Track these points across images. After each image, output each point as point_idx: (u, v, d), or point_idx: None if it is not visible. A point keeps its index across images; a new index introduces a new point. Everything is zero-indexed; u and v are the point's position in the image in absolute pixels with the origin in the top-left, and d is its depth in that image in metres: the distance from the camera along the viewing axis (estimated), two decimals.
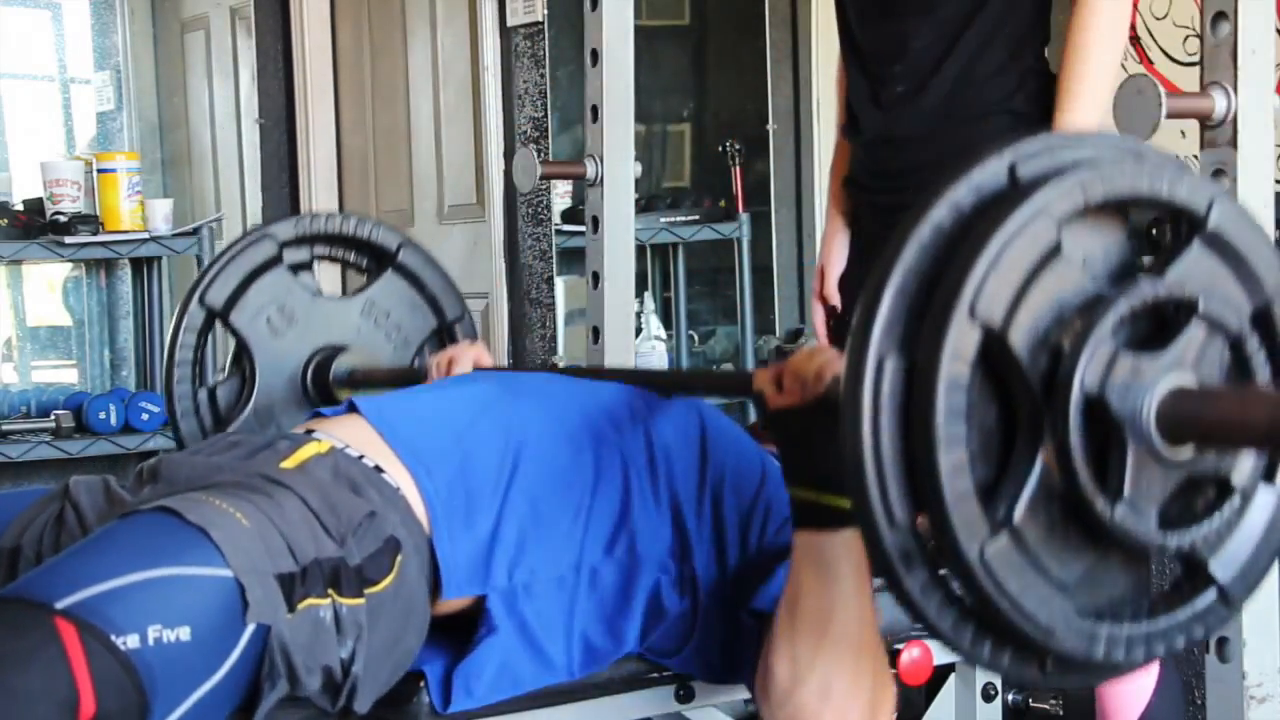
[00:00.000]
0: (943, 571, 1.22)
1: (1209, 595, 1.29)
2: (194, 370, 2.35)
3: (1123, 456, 1.20)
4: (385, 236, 2.44)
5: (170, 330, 2.34)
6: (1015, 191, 1.20)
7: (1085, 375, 1.18)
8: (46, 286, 5.75)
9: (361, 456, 1.64)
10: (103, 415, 4.31)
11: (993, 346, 1.18)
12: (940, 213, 1.20)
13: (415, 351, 2.45)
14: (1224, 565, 1.28)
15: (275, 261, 2.36)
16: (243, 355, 2.36)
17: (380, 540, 1.55)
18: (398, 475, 1.64)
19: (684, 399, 1.87)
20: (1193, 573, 1.29)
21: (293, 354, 2.38)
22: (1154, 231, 1.29)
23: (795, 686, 1.57)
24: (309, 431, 1.70)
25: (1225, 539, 1.28)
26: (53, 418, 4.39)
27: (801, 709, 1.57)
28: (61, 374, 5.68)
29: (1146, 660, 1.28)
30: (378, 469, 1.63)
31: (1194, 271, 1.25)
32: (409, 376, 2.24)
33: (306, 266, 2.42)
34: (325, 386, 2.38)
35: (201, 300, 2.32)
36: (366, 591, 1.52)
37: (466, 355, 2.13)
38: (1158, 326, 1.24)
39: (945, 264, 1.19)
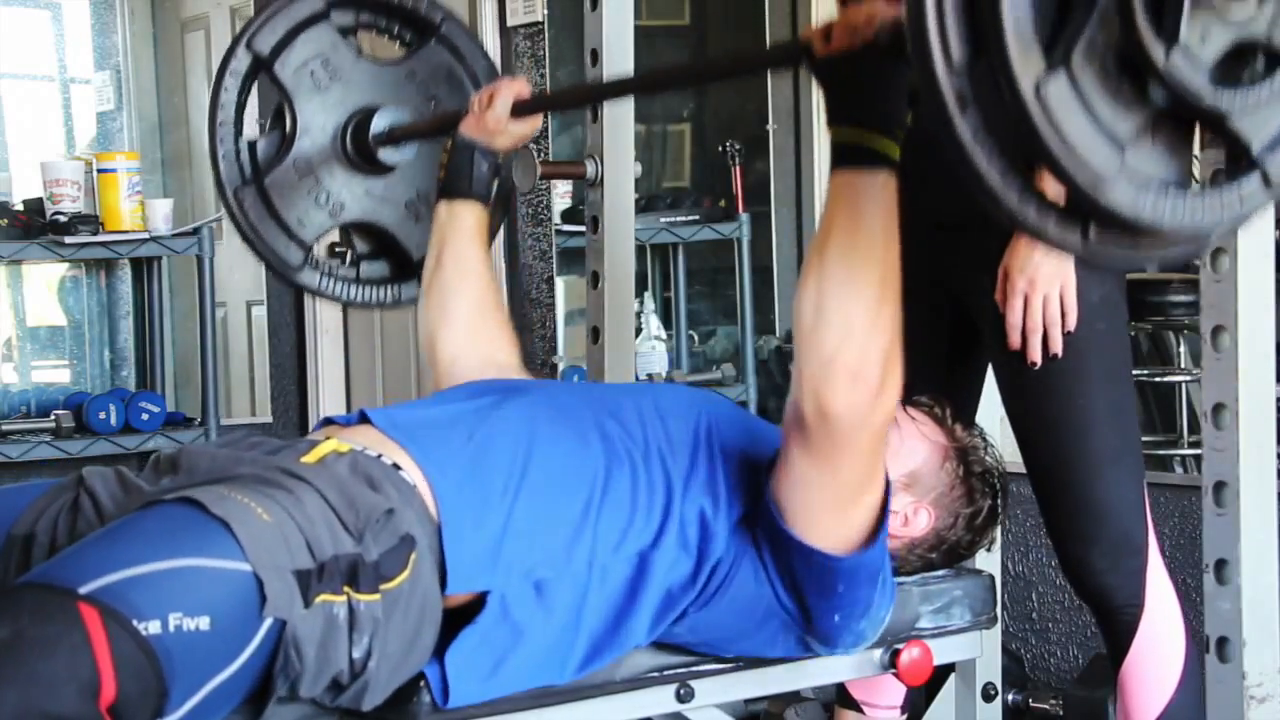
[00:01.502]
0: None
1: (1253, 180, 1.29)
2: (236, 115, 2.34)
3: (1179, 3, 1.20)
4: (429, 9, 2.45)
5: (215, 75, 2.33)
6: None
7: None
8: (46, 286, 5.75)
9: (379, 455, 1.66)
10: (103, 415, 4.31)
11: None
12: None
13: None
14: (1268, 149, 1.28)
15: (322, 17, 2.37)
16: (283, 108, 2.36)
17: (397, 537, 1.57)
18: (413, 474, 1.66)
19: (690, 397, 1.88)
20: (1236, 155, 1.29)
21: (334, 110, 2.39)
22: None
23: (818, 323, 1.58)
24: (328, 437, 1.71)
25: (1270, 118, 1.27)
26: (53, 418, 4.38)
27: (821, 347, 1.58)
28: (61, 374, 5.68)
29: (1193, 225, 1.27)
30: (395, 466, 1.65)
31: None
32: (449, 119, 2.23)
33: (352, 31, 2.42)
34: (364, 144, 2.39)
35: (249, 45, 2.32)
36: (382, 588, 1.53)
37: (507, 88, 2.13)
38: None
39: None
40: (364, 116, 2.39)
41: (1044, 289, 2.06)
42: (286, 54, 2.33)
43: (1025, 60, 1.18)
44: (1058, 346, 2.09)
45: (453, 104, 2.44)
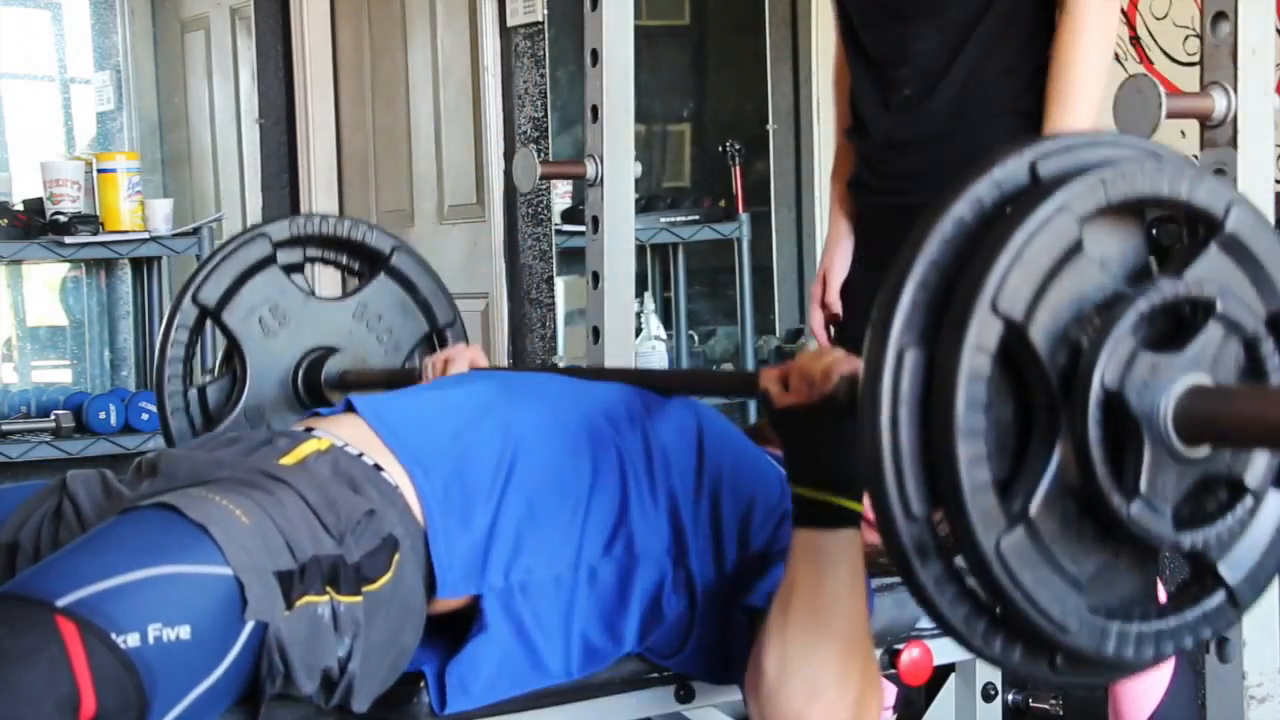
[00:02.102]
0: (958, 564, 1.22)
1: (1218, 597, 1.29)
2: (185, 368, 2.35)
3: (1139, 454, 1.20)
4: (379, 240, 2.45)
5: (161, 329, 2.34)
6: (1037, 189, 1.21)
7: (1105, 371, 1.19)
8: (46, 286, 5.75)
9: (361, 455, 1.64)
10: (103, 415, 4.31)
11: (1013, 340, 1.19)
12: (962, 207, 1.21)
13: (406, 355, 2.46)
14: (1233, 568, 1.29)
15: (269, 261, 2.37)
16: (234, 355, 2.36)
17: (379, 539, 1.55)
18: (396, 474, 1.64)
19: (682, 400, 1.87)
20: (1201, 574, 1.30)
21: (284, 354, 2.38)
22: (1154, 231, 1.29)
23: (783, 683, 1.57)
24: (308, 429, 1.70)
25: (1236, 541, 1.29)
26: (53, 418, 4.39)
27: (787, 705, 1.57)
28: (61, 374, 5.68)
29: (1155, 660, 1.28)
30: (377, 467, 1.63)
31: (1211, 273, 1.26)
32: (402, 378, 2.23)
33: (299, 268, 2.43)
34: (316, 387, 2.38)
35: (195, 298, 2.32)
36: (364, 589, 1.52)
37: (463, 356, 2.13)
38: (1175, 327, 1.25)
39: (966, 259, 1.20)
40: (316, 359, 2.39)
41: None
42: (234, 302, 2.33)
43: (984, 519, 1.18)
44: None
45: (405, 334, 2.45)
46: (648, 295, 4.41)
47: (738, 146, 4.47)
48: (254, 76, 5.27)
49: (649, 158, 4.73)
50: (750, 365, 4.45)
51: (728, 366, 4.52)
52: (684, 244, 4.51)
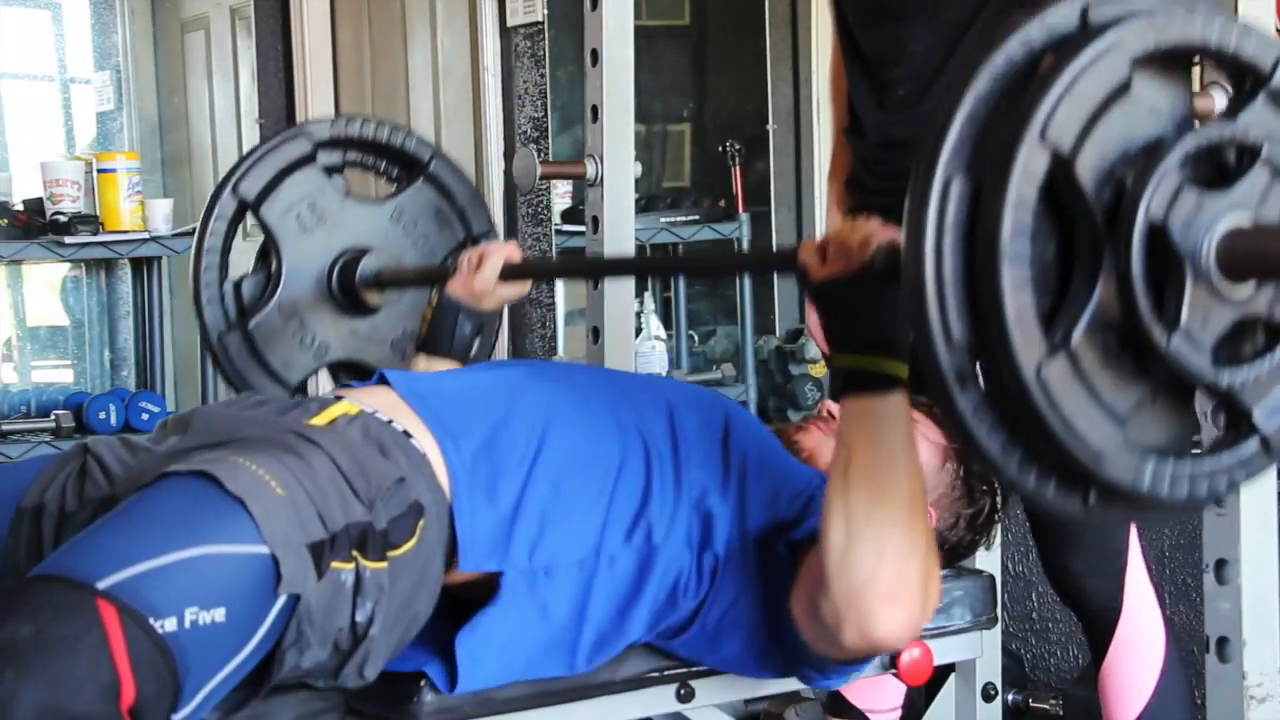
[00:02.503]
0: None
1: (1252, 444, 1.30)
2: (221, 258, 2.34)
3: (1180, 288, 1.22)
4: (418, 146, 2.45)
5: (200, 218, 2.33)
6: (1087, 32, 1.22)
7: (1151, 203, 1.20)
8: (46, 286, 5.75)
9: (390, 421, 1.65)
10: (103, 415, 4.31)
11: (1059, 174, 1.20)
12: (1013, 46, 1.22)
13: (440, 262, 2.45)
14: (1268, 415, 1.30)
15: (309, 160, 2.37)
16: (270, 250, 2.36)
17: (405, 504, 1.57)
18: (424, 442, 1.65)
19: (712, 393, 1.88)
20: (1236, 421, 1.31)
21: (320, 252, 2.38)
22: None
23: (849, 549, 1.54)
24: (338, 396, 1.71)
25: (1271, 389, 1.29)
26: (53, 418, 4.39)
27: (856, 572, 1.53)
28: (61, 374, 5.68)
29: (1189, 502, 1.28)
30: (406, 434, 1.64)
31: (1258, 121, 1.27)
32: (437, 274, 2.22)
33: (339, 170, 2.43)
34: (350, 286, 2.38)
35: (235, 189, 2.32)
36: (390, 555, 1.53)
37: (498, 252, 2.11)
38: (1220, 173, 1.26)
39: (1015, 97, 1.20)
40: (351, 258, 2.38)
41: None
42: (273, 197, 2.33)
43: (1027, 344, 1.19)
44: None
45: (441, 241, 2.44)
46: (648, 295, 4.41)
47: (738, 146, 4.47)
48: (254, 76, 5.27)
49: (649, 158, 4.73)
50: (750, 365, 4.46)
51: (728, 366, 4.52)
52: (684, 244, 4.51)
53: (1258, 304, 1.27)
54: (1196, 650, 2.68)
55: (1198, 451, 1.30)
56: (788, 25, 4.55)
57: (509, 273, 2.10)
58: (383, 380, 1.76)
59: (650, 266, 2.13)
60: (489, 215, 2.51)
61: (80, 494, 1.61)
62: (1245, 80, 1.29)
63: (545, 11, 4.28)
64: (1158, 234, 1.21)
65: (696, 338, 4.70)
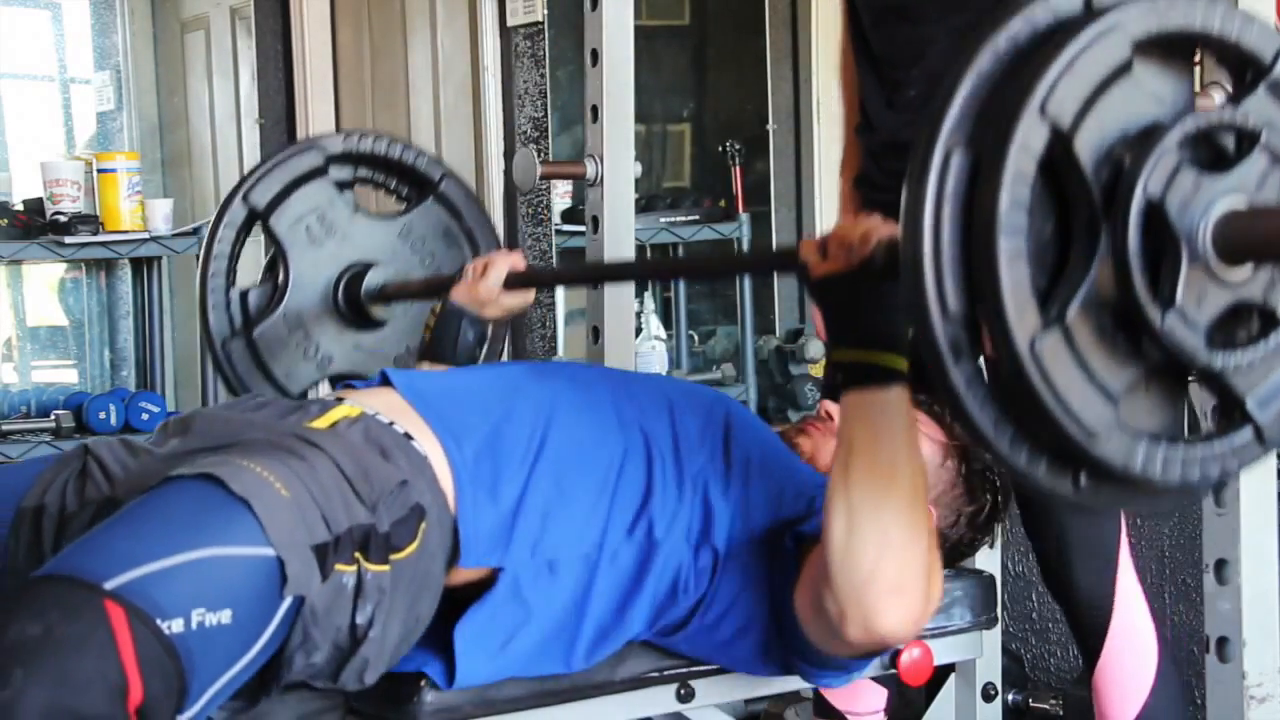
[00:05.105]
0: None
1: (1245, 433, 1.31)
2: (229, 266, 2.36)
3: (1176, 268, 1.22)
4: (429, 165, 2.47)
5: (210, 225, 2.35)
6: (1090, 13, 1.23)
7: (1149, 181, 1.21)
8: (46, 286, 5.75)
9: (392, 423, 1.66)
10: (103, 415, 4.31)
11: (1058, 151, 1.20)
12: (1016, 25, 1.23)
13: None
14: (1261, 404, 1.30)
15: (320, 172, 2.38)
16: (278, 261, 2.37)
17: (407, 508, 1.57)
18: (426, 443, 1.66)
19: (715, 393, 1.88)
20: (1229, 409, 1.31)
21: (327, 264, 2.40)
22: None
23: (851, 542, 1.54)
24: (339, 399, 1.71)
25: (1266, 377, 1.30)
26: (53, 418, 4.38)
27: (858, 566, 1.53)
28: (61, 374, 5.68)
29: (1183, 484, 1.28)
30: (407, 436, 1.65)
31: (1258, 111, 1.28)
32: (444, 283, 2.24)
33: (350, 185, 2.44)
34: (356, 299, 2.40)
35: (245, 198, 2.33)
36: (392, 558, 1.54)
37: (503, 260, 2.12)
38: (1218, 159, 1.27)
39: (1017, 74, 1.21)
40: (357, 272, 2.40)
41: None
42: (282, 208, 2.35)
43: (1021, 317, 1.19)
44: None
45: (448, 261, 2.46)
46: (648, 295, 4.41)
47: (738, 146, 4.47)
48: (254, 76, 5.26)
49: (649, 158, 4.73)
50: (750, 365, 4.45)
51: (728, 366, 4.52)
52: (684, 244, 4.50)
53: (1253, 288, 1.27)
54: (1196, 650, 2.68)
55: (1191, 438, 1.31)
56: (788, 25, 4.55)
57: (513, 280, 2.10)
58: (385, 381, 1.76)
59: (651, 271, 2.14)
60: (497, 238, 2.53)
61: (81, 495, 1.61)
62: (1246, 71, 1.30)
63: (545, 11, 4.28)
64: (1155, 212, 1.21)
65: (696, 338, 4.70)
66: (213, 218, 2.35)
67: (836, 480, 1.57)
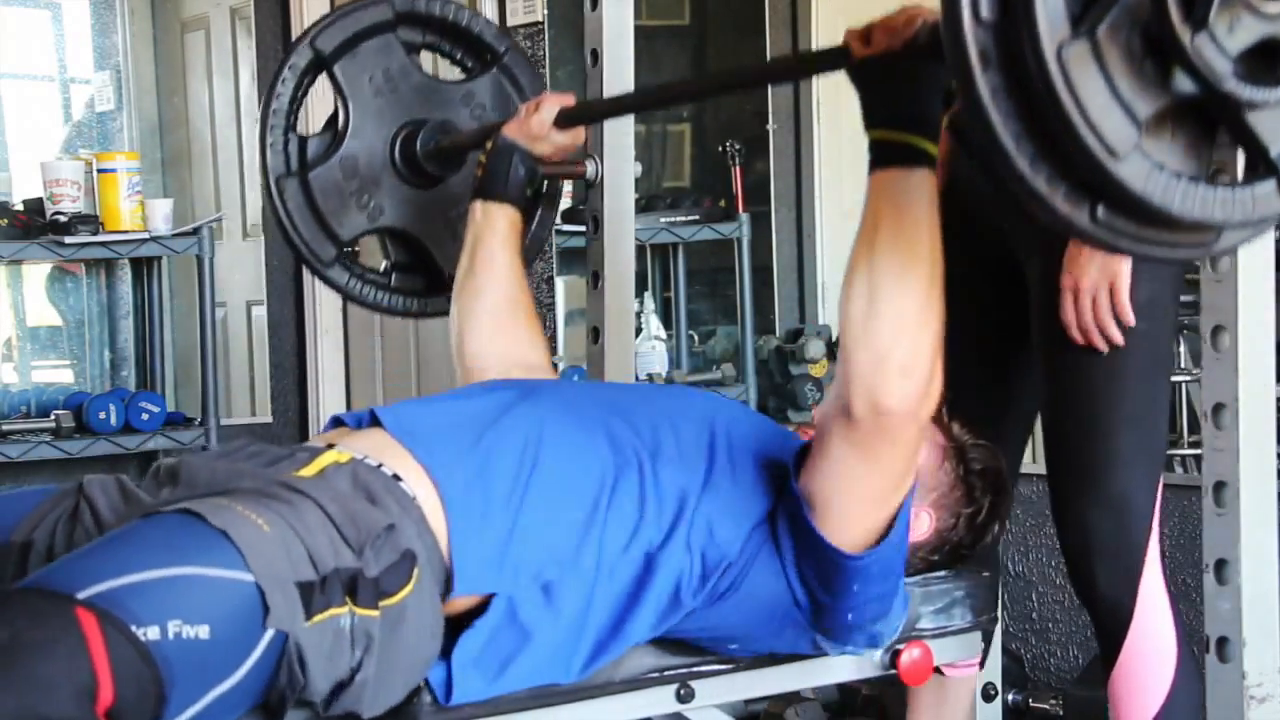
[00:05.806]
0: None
1: (1269, 184, 1.30)
2: (291, 107, 2.36)
3: None
4: (495, 37, 2.51)
5: (274, 70, 2.35)
6: None
7: None
8: (46, 287, 5.75)
9: (380, 465, 1.65)
10: (103, 415, 4.30)
11: None
12: None
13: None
14: None
15: (389, 27, 2.40)
16: (338, 110, 2.38)
17: (398, 553, 1.57)
18: (415, 482, 1.65)
19: (703, 395, 1.89)
20: (1254, 160, 1.30)
21: (388, 117, 2.41)
22: None
23: (870, 317, 1.58)
24: (329, 445, 1.71)
25: None
26: (53, 418, 4.38)
27: (874, 343, 1.58)
28: (61, 374, 5.68)
29: (1200, 221, 1.27)
30: (395, 477, 1.65)
31: None
32: (491, 129, 2.27)
33: (416, 50, 2.46)
34: (413, 155, 2.42)
35: (312, 42, 2.34)
36: (382, 604, 1.53)
37: (554, 99, 2.19)
38: None
39: None
40: (416, 128, 2.42)
41: (1091, 289, 2.07)
42: (348, 57, 2.36)
43: (1051, 24, 1.19)
44: (1102, 344, 2.10)
45: None
46: (648, 295, 4.41)
47: (738, 146, 4.47)
48: (254, 76, 5.26)
49: (649, 158, 4.73)
50: (750, 365, 4.45)
51: (728, 366, 4.52)
52: (684, 244, 4.50)
53: None
54: (1196, 650, 2.68)
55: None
56: (788, 25, 4.55)
57: (564, 118, 2.16)
58: (374, 420, 1.76)
59: (693, 90, 2.23)
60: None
61: (69, 537, 1.61)
62: None
63: (545, 11, 4.28)
64: None
65: (696, 338, 4.70)
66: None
67: (860, 257, 1.60)
